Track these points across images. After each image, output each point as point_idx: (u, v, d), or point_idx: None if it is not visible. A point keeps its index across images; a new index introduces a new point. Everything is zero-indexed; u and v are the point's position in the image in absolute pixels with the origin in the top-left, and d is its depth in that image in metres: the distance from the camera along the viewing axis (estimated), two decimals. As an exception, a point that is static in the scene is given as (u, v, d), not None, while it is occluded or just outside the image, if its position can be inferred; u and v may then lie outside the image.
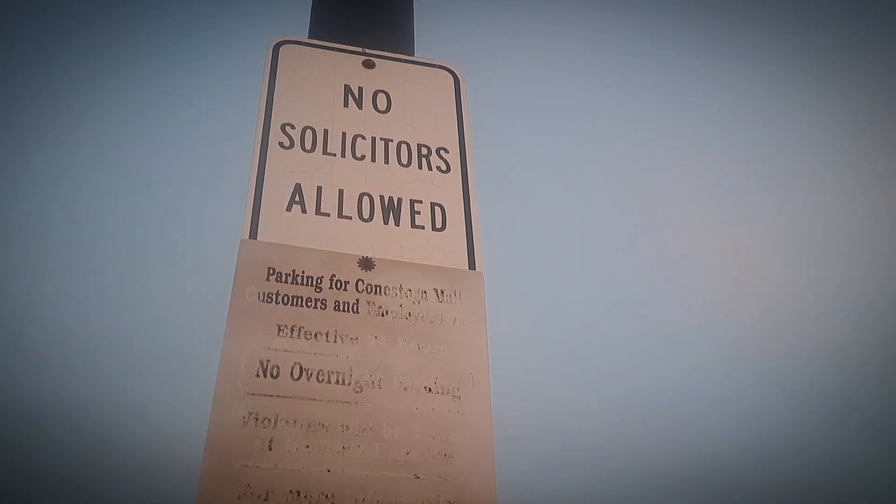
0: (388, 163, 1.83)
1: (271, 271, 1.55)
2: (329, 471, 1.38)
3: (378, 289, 1.61)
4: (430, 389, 1.53)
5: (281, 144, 1.76)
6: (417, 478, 1.43)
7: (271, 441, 1.37)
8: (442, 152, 1.91)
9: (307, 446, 1.39)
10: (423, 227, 1.75)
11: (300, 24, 2.21)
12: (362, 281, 1.61)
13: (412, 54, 2.20)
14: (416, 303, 1.62)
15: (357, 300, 1.58)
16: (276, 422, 1.39)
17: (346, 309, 1.56)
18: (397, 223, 1.74)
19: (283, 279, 1.55)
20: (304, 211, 1.67)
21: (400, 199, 1.78)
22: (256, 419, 1.39)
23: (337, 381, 1.47)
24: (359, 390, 1.48)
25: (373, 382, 1.50)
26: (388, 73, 2.03)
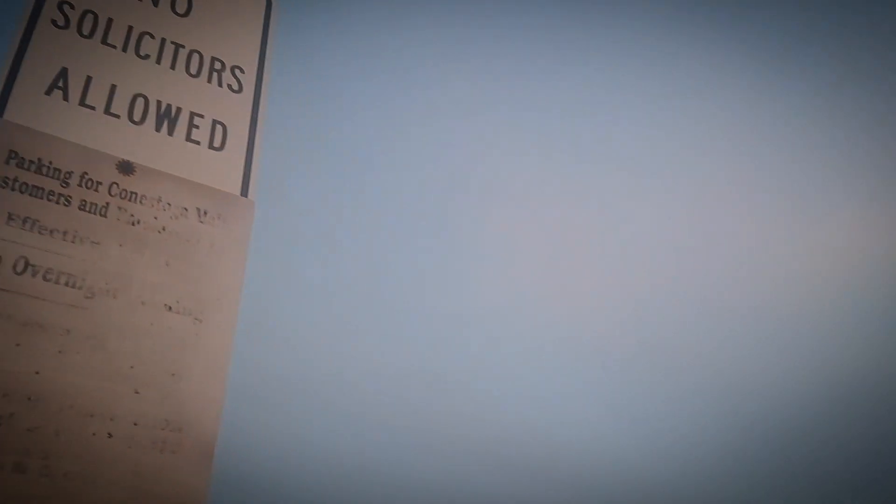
0: (174, 69, 1.74)
1: (13, 155, 1.43)
2: (38, 373, 1.31)
3: (133, 196, 1.53)
4: (170, 308, 1.49)
5: (54, 22, 1.61)
6: (137, 393, 1.40)
7: (-25, 333, 1.27)
8: (237, 71, 1.84)
9: (17, 344, 1.30)
10: (198, 143, 1.69)
11: None
12: (117, 185, 1.52)
13: (230, -37, 2.09)
14: (174, 218, 1.57)
15: (107, 203, 1.49)
16: (-15, 314, 1.29)
17: (92, 211, 1.47)
18: (171, 133, 1.66)
19: (26, 166, 1.43)
20: (65, 98, 1.54)
21: (179, 109, 1.69)
22: (-38, 308, 1.28)
23: (66, 284, 1.39)
24: (90, 296, 1.41)
25: (108, 291, 1.43)
26: (196, -25, 1.91)
